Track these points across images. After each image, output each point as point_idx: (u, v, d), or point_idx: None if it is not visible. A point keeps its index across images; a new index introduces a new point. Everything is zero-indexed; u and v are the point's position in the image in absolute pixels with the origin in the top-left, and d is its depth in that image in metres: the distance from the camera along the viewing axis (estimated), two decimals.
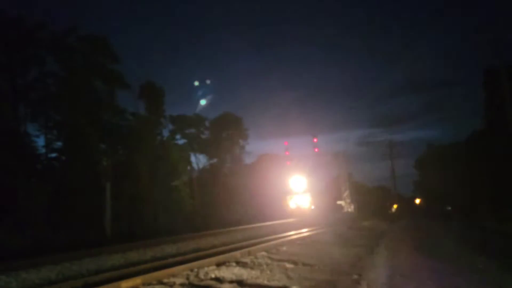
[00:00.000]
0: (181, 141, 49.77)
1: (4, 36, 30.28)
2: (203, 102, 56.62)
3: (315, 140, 56.53)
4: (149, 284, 6.59)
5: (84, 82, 32.97)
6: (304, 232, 19.01)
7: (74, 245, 11.99)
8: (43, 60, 32.65)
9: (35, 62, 32.46)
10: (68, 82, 32.12)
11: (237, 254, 9.74)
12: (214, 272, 7.40)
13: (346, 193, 60.57)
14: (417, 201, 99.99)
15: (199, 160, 52.16)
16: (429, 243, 12.93)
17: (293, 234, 17.27)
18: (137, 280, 6.61)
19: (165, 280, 6.83)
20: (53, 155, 33.55)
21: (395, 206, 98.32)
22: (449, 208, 59.96)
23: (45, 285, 7.20)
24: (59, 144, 33.26)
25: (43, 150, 32.66)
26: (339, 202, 61.97)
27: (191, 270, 7.65)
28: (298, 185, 43.22)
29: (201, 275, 7.20)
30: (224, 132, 56.59)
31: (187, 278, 6.97)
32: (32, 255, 9.89)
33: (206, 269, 7.75)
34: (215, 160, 53.04)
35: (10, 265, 8.79)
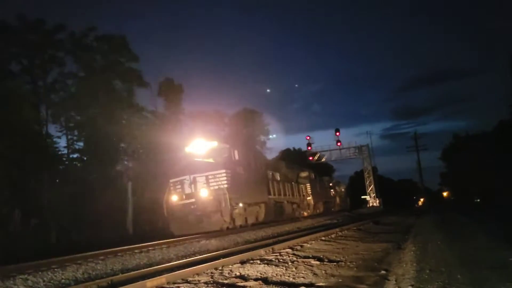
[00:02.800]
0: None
1: (25, 39, 30.80)
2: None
3: (337, 134, 56.16)
4: (174, 282, 6.54)
5: (103, 81, 33.31)
6: None
7: (98, 244, 12.06)
8: (63, 61, 33.18)
9: (55, 64, 32.97)
10: (88, 82, 32.49)
11: (261, 251, 9.66)
12: (239, 270, 7.33)
13: (371, 188, 60.04)
14: (445, 193, 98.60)
15: None
16: (459, 236, 12.61)
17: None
18: (162, 279, 6.58)
19: (190, 279, 6.79)
20: (75, 155, 34.07)
21: (422, 199, 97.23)
22: (478, 200, 58.77)
23: (71, 284, 7.22)
24: (80, 144, 33.73)
25: (65, 151, 33.19)
26: (363, 197, 61.50)
27: (215, 268, 7.60)
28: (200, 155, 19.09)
29: (226, 273, 7.14)
30: (245, 128, 56.54)
31: (212, 276, 6.90)
32: (58, 255, 9.96)
33: (230, 267, 7.69)
34: None
35: (37, 265, 8.86)
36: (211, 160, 18.53)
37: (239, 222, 18.75)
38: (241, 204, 18.56)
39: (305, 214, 31.01)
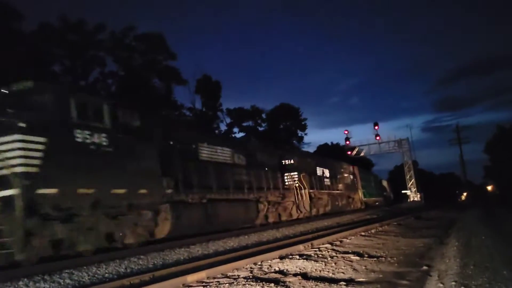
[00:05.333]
0: (238, 135, 50.32)
1: (67, 40, 31.73)
2: None
3: (376, 127, 55.37)
4: (214, 277, 6.63)
5: (142, 80, 33.97)
6: None
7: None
8: (103, 61, 34.03)
9: (96, 64, 33.86)
10: (127, 81, 33.22)
11: (300, 246, 9.65)
12: (278, 265, 7.37)
13: (411, 182, 58.92)
14: (489, 187, 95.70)
15: None
16: (504, 231, 12.22)
17: None
18: (202, 274, 6.69)
19: (229, 274, 6.87)
20: None
21: (465, 193, 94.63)
22: None
23: (115, 279, 7.40)
24: None
25: None
26: (404, 191, 60.41)
27: (255, 264, 7.66)
28: None
29: (265, 268, 7.19)
30: (282, 123, 56.52)
31: (251, 271, 6.96)
32: (101, 252, 10.23)
33: (269, 262, 7.73)
34: None
35: (82, 261, 9.12)
36: None
37: None
38: None
39: None
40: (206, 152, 14.88)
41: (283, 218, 20.85)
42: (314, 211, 24.13)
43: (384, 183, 53.00)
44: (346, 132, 57.20)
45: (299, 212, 22.10)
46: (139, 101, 32.71)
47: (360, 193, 36.08)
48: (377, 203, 42.20)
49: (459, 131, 57.24)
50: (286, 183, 21.83)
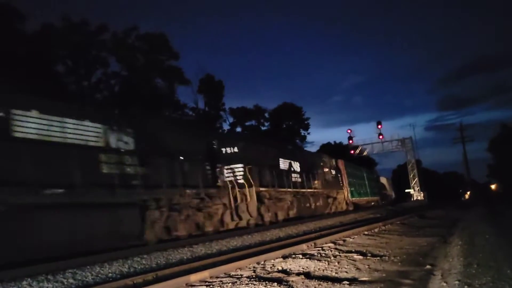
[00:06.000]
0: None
1: (69, 41, 31.77)
2: None
3: (379, 126, 55.32)
4: (217, 277, 6.63)
5: (145, 79, 34.00)
6: None
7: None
8: (106, 61, 34.07)
9: (98, 64, 33.91)
10: (130, 81, 33.27)
11: (303, 246, 9.65)
12: (281, 265, 7.35)
13: (415, 181, 58.81)
14: (493, 186, 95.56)
15: None
16: (508, 230, 12.17)
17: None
18: (205, 273, 6.70)
19: (232, 273, 6.87)
20: None
21: (468, 192, 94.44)
22: None
23: (118, 278, 7.41)
24: None
25: None
26: (407, 190, 60.29)
27: (258, 263, 7.66)
28: None
29: (268, 268, 7.18)
30: (284, 122, 56.52)
31: (254, 271, 6.95)
32: (105, 251, 10.24)
33: (272, 261, 7.73)
34: None
35: (85, 261, 9.14)
36: None
37: None
38: None
39: None
40: (32, 126, 8.93)
41: (208, 228, 14.21)
42: (268, 216, 18.04)
43: (383, 180, 48.72)
44: (349, 131, 57.15)
45: (237, 219, 15.75)
46: (142, 101, 32.79)
47: (346, 192, 29.78)
48: (372, 203, 37.23)
49: (462, 129, 57.17)
50: (225, 179, 15.85)
